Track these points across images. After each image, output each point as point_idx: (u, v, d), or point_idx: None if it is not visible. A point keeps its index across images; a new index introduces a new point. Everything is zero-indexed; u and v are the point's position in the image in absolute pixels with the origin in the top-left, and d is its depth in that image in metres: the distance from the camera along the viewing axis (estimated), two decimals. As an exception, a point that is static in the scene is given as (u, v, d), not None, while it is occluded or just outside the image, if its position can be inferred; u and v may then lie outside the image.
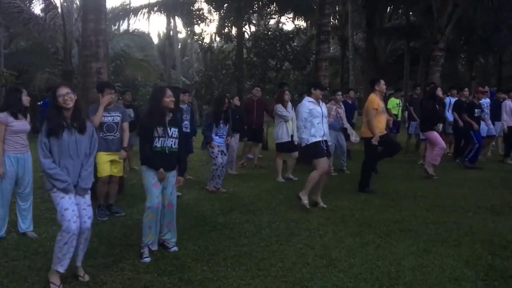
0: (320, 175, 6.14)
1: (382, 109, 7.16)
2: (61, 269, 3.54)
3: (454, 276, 3.80)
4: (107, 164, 5.74)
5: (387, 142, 7.18)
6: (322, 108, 6.33)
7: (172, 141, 4.35)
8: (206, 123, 7.45)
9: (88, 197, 3.70)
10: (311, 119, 6.16)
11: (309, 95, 6.42)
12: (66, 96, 3.55)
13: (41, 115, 9.42)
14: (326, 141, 6.25)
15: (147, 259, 4.20)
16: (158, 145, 4.30)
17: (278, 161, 8.53)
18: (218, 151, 7.33)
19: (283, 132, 8.29)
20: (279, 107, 8.26)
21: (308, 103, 6.24)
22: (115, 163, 5.85)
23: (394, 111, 11.18)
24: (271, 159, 11.19)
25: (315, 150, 6.14)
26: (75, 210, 3.53)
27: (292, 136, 8.20)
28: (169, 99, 4.31)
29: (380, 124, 7.10)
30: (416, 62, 20.84)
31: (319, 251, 4.45)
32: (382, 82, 7.26)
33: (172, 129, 4.36)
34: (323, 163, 6.14)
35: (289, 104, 8.43)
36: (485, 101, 10.67)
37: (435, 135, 8.42)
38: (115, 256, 4.29)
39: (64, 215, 3.48)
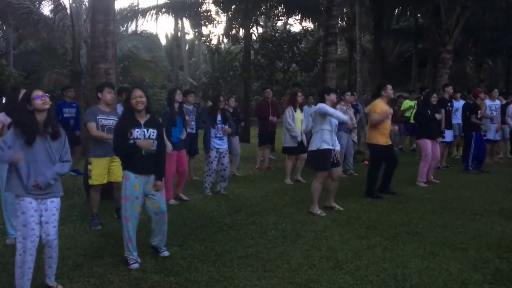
0: (321, 184, 6.04)
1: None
2: None
3: (461, 280, 3.78)
4: (104, 170, 5.37)
5: (387, 155, 7.12)
6: None
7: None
8: (200, 120, 7.14)
9: (57, 213, 3.51)
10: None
11: (323, 101, 6.15)
12: (44, 97, 3.42)
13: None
14: (335, 149, 6.05)
15: (135, 265, 4.07)
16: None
17: (287, 163, 8.46)
18: (216, 155, 7.07)
19: (287, 136, 8.24)
20: (289, 113, 8.17)
21: None
22: (116, 168, 5.36)
23: (407, 113, 11.12)
24: (277, 160, 11.20)
25: (320, 160, 5.99)
26: (35, 229, 3.32)
27: (296, 138, 8.17)
28: (135, 100, 4.05)
29: (385, 130, 7.02)
30: (424, 64, 20.70)
31: (325, 253, 4.44)
32: (389, 87, 7.14)
33: (149, 130, 4.14)
34: (323, 174, 6.03)
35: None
36: (495, 104, 10.60)
37: (426, 145, 8.02)
38: (122, 256, 4.31)
39: (22, 231, 3.31)
